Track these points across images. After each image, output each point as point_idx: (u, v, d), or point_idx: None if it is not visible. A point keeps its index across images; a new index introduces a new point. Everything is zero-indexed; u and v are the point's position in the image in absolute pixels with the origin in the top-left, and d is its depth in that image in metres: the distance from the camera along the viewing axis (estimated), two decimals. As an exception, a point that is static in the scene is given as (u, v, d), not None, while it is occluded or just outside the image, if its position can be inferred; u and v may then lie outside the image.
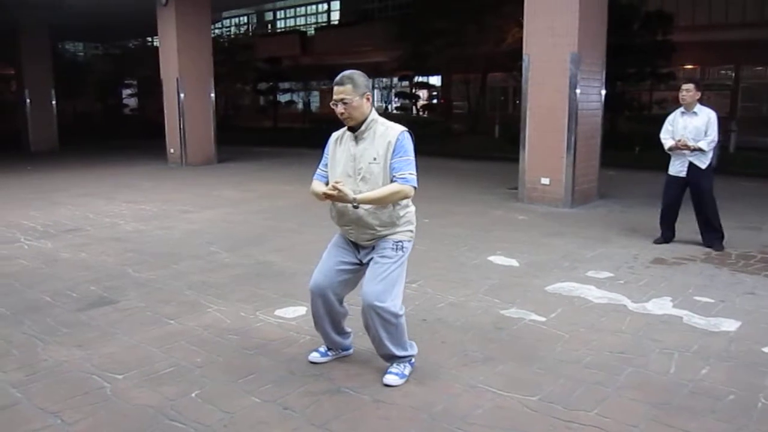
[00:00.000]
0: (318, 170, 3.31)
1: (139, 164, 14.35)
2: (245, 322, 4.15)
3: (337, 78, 3.07)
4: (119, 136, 23.00)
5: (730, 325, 4.08)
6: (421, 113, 28.15)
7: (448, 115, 28.22)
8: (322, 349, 3.53)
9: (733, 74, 23.45)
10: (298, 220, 7.60)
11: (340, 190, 3.00)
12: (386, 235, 3.15)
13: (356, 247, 3.26)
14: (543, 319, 4.20)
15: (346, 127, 3.19)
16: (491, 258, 5.81)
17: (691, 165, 5.97)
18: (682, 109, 6.02)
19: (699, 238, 6.29)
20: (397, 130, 3.10)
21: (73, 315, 4.32)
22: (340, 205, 3.14)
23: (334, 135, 3.28)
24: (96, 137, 22.66)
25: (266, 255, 5.98)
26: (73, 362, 3.53)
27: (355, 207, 3.04)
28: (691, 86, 5.93)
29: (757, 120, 21.19)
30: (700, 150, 5.88)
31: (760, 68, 23.76)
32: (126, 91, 31.77)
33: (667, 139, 6.05)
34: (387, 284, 3.09)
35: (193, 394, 3.14)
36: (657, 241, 6.30)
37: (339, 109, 3.07)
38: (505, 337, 3.90)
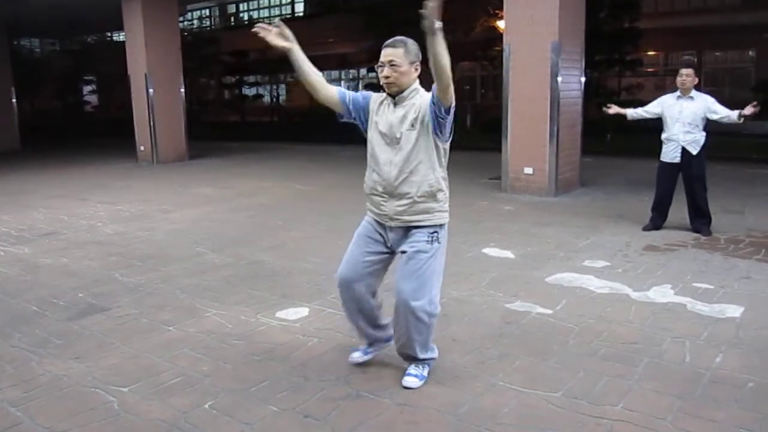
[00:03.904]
0: (344, 89, 3.13)
1: (107, 163, 13.94)
2: (248, 327, 4.02)
3: (389, 41, 2.90)
4: (81, 135, 22.38)
5: (734, 310, 4.11)
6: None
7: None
8: (363, 347, 3.36)
9: (696, 59, 23.88)
10: (282, 216, 7.43)
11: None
12: (421, 211, 2.94)
13: (384, 230, 3.05)
14: (549, 311, 4.17)
15: (385, 94, 3.00)
16: (485, 250, 5.77)
17: (684, 151, 6.00)
18: (677, 93, 6.03)
19: (685, 223, 6.36)
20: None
21: (64, 325, 4.13)
22: (385, 169, 2.94)
23: (376, 95, 3.08)
24: (57, 136, 22.01)
25: (256, 254, 5.83)
26: (72, 376, 3.36)
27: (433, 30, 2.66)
28: (690, 71, 5.93)
29: (720, 104, 21.58)
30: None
31: (720, 53, 24.27)
32: (87, 88, 30.88)
33: (633, 110, 6.37)
34: (423, 280, 2.95)
35: (206, 405, 3.00)
36: (646, 228, 6.33)
37: (385, 71, 2.87)
38: (515, 331, 3.86)
